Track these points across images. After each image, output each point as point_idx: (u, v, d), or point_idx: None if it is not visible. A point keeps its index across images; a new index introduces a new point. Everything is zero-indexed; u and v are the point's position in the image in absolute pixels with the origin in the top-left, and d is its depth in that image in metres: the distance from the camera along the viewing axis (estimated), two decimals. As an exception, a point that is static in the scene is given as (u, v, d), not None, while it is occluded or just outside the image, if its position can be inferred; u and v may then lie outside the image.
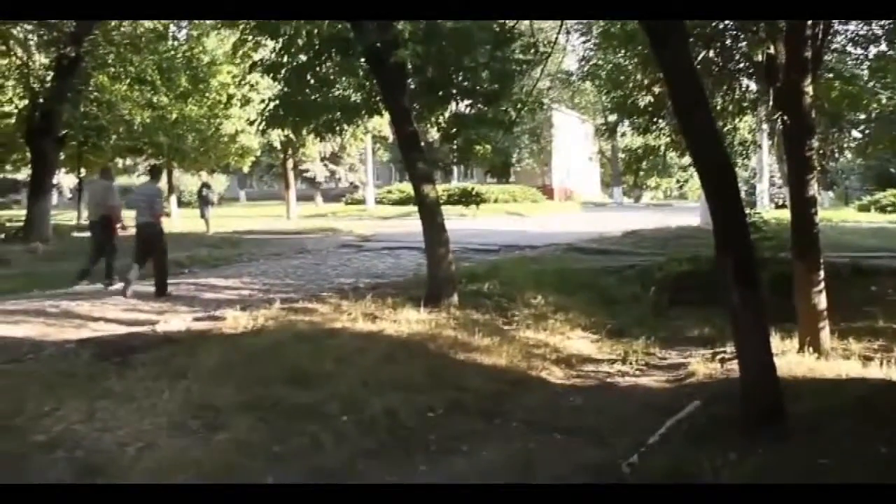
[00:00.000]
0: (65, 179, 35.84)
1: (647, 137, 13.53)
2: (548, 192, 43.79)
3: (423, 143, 11.92)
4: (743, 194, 7.42)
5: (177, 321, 9.39)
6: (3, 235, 19.24)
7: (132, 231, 12.38)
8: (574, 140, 47.73)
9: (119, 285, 12.04)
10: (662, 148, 14.32)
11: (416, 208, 11.80)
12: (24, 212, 22.33)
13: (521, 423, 7.06)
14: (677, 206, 41.17)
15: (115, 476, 5.25)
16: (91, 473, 5.27)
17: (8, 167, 23.68)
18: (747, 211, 7.40)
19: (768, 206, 27.45)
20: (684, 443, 6.12)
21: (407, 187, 31.77)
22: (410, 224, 16.68)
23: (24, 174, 24.43)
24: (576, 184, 48.26)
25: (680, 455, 5.78)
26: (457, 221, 13.59)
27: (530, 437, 6.68)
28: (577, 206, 40.19)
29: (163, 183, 18.54)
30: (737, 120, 12.77)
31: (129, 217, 12.72)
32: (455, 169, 43.86)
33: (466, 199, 34.04)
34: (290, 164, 33.61)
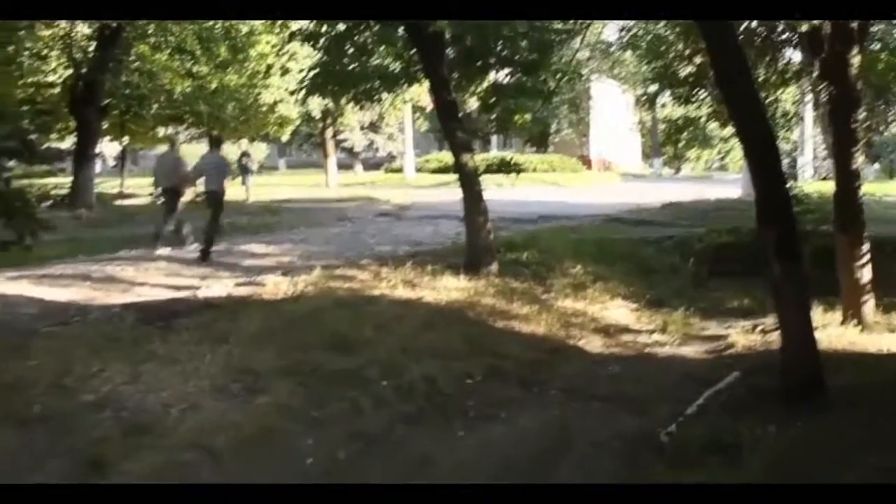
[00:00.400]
0: (107, 148, 36.21)
1: (688, 108, 13.38)
2: (586, 162, 43.43)
3: (461, 113, 11.90)
4: (784, 167, 7.34)
5: (218, 287, 9.51)
6: (49, 202, 19.54)
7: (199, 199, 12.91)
8: (613, 110, 47.27)
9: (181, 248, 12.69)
10: (703, 119, 14.15)
11: (454, 178, 11.80)
12: (68, 180, 22.64)
13: (558, 391, 7.09)
14: (717, 178, 40.72)
15: (161, 435, 5.39)
16: (137, 433, 5.42)
17: (53, 136, 23.95)
18: (789, 184, 7.32)
19: (810, 179, 27.03)
20: (723, 413, 6.12)
21: (446, 157, 31.70)
22: (449, 193, 16.66)
23: (68, 143, 24.71)
24: (615, 154, 47.83)
25: (718, 425, 5.79)
26: (495, 191, 13.60)
27: (568, 405, 6.71)
28: (616, 176, 39.85)
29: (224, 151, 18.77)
30: (779, 91, 12.57)
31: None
32: (494, 138, 43.68)
33: (505, 168, 33.85)
34: (328, 133, 33.67)
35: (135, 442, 5.32)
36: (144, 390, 5.98)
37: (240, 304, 8.57)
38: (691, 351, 8.72)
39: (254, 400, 5.88)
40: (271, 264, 11.48)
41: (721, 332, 9.35)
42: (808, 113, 25.35)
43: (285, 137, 31.94)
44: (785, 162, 7.37)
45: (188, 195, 13.29)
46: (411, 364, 6.79)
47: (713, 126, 34.95)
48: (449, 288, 9.69)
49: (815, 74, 9.82)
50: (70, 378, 6.15)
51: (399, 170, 38.36)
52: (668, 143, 49.57)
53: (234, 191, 20.66)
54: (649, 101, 32.02)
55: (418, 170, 37.87)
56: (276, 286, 9.33)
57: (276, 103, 25.41)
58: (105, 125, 24.47)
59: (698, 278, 12.30)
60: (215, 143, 13.30)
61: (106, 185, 27.64)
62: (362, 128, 42.36)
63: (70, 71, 21.93)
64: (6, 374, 6.24)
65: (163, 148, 17.99)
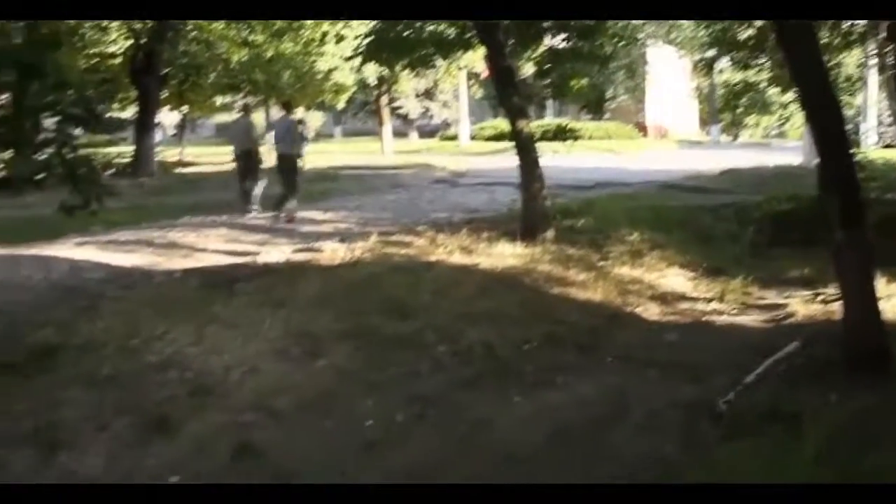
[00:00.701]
0: (166, 117, 36.72)
1: (747, 73, 13.11)
2: (643, 129, 42.84)
3: (517, 79, 11.83)
4: (847, 133, 7.17)
5: (276, 253, 9.67)
6: (112, 171, 19.96)
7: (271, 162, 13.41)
8: (670, 76, 46.41)
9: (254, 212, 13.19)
10: (763, 84, 13.86)
11: (509, 145, 11.77)
12: (130, 149, 23.06)
13: (615, 357, 7.07)
14: (777, 146, 39.87)
15: (224, 396, 5.53)
16: (200, 393, 5.57)
17: (115, 106, 24.41)
18: (852, 150, 7.16)
19: (874, 146, 26.37)
20: (783, 383, 6.05)
21: (501, 124, 31.54)
22: (504, 160, 16.60)
23: (129, 113, 25.19)
24: (672, 121, 47.08)
25: (778, 395, 5.73)
26: (551, 158, 13.52)
27: (625, 372, 6.69)
28: (673, 143, 39.29)
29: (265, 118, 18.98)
30: (843, 55, 12.26)
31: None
32: (549, 105, 43.31)
33: (560, 135, 33.60)
34: (383, 100, 33.70)
35: (199, 402, 5.48)
36: (207, 352, 6.13)
37: (298, 269, 8.69)
38: (750, 320, 8.61)
39: (313, 363, 5.98)
40: (328, 231, 11.60)
41: (781, 301, 9.21)
42: (873, 77, 24.65)
43: (341, 105, 32.06)
44: (848, 128, 7.16)
45: (266, 158, 13.80)
46: (468, 329, 6.83)
47: (773, 91, 34.26)
48: (505, 254, 9.70)
49: (880, 37, 9.56)
50: (136, 340, 6.34)
51: (454, 137, 38.28)
52: (726, 110, 48.63)
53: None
54: (707, 67, 31.46)
55: (473, 137, 37.74)
56: (333, 252, 9.44)
57: (331, 71, 25.49)
58: (164, 94, 24.82)
59: (757, 247, 12.09)
60: (287, 108, 13.62)
61: (165, 153, 28.05)
62: (417, 95, 42.31)
63: (130, 41, 22.25)
64: (76, 335, 6.45)
65: (226, 116, 18.49)
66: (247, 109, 15.76)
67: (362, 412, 5.35)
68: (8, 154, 6.98)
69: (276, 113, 15.31)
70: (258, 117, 14.13)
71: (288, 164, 12.90)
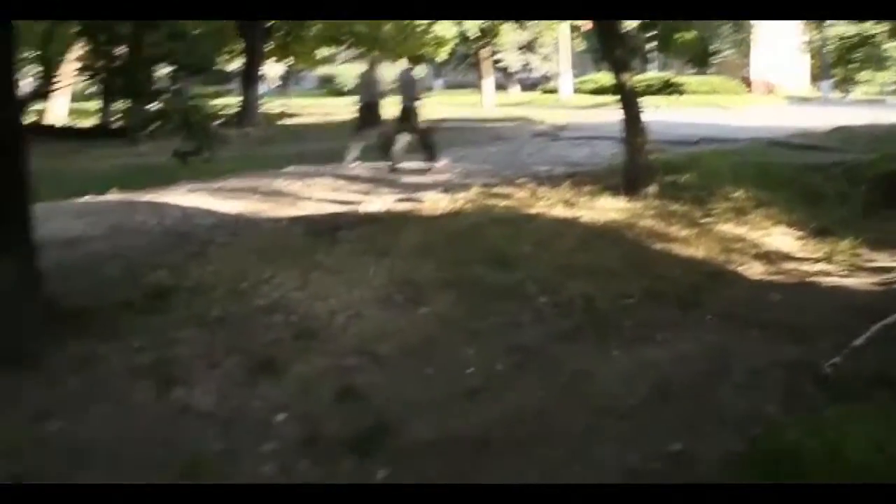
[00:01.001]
0: (271, 69, 37.31)
1: (863, 26, 12.49)
2: (749, 84, 41.48)
3: (620, 32, 11.60)
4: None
5: (379, 202, 9.80)
6: (219, 121, 20.47)
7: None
8: (778, 30, 44.69)
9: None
10: (880, 37, 13.22)
11: (611, 99, 11.60)
12: (236, 100, 23.57)
13: (717, 315, 6.96)
14: (892, 103, 38.10)
15: (328, 340, 5.69)
16: (305, 337, 5.74)
17: (222, 58, 24.96)
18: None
19: None
20: (892, 348, 5.88)
21: (602, 78, 30.99)
22: (606, 115, 16.37)
23: (236, 65, 25.74)
24: (780, 76, 45.42)
25: (888, 359, 5.57)
26: (654, 112, 13.24)
27: (727, 330, 6.58)
28: (781, 99, 37.93)
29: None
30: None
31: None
32: (653, 59, 42.35)
33: (664, 89, 32.82)
34: (484, 53, 33.48)
35: (304, 345, 5.64)
36: (312, 297, 6.30)
37: (400, 219, 8.81)
38: (858, 282, 8.34)
39: (415, 310, 6.08)
40: (429, 182, 11.67)
41: (892, 264, 8.90)
42: None
43: (441, 58, 32.01)
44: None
45: (390, 110, 14.05)
46: (569, 281, 6.83)
47: (890, 45, 32.63)
48: (607, 208, 9.62)
49: None
50: (244, 284, 6.55)
51: (555, 90, 37.82)
52: (838, 65, 46.57)
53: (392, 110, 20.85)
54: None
55: (574, 91, 37.23)
56: (434, 203, 9.52)
57: (432, 23, 25.43)
58: (269, 47, 25.21)
59: (869, 208, 11.66)
60: (412, 60, 13.84)
61: (270, 105, 28.57)
62: (518, 48, 41.88)
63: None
64: (188, 278, 6.70)
65: (329, 69, 18.76)
66: (373, 63, 15.93)
67: (463, 360, 5.43)
68: (124, 104, 7.26)
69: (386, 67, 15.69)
70: (371, 70, 14.25)
71: (411, 116, 13.16)
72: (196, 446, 4.55)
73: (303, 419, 4.77)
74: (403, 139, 13.20)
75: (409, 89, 13.31)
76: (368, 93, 13.89)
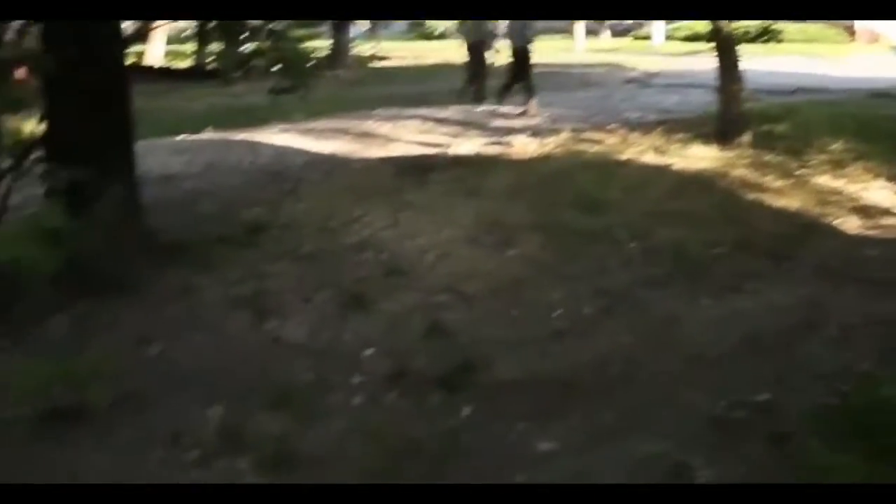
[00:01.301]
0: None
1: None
2: (852, 33, 39.78)
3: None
4: None
5: (468, 145, 9.79)
6: (312, 63, 20.62)
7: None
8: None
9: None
10: None
11: (704, 46, 11.29)
12: (327, 42, 23.69)
13: (810, 268, 6.79)
14: None
15: (417, 278, 5.77)
16: (394, 274, 5.83)
17: None
18: None
19: None
20: None
21: (696, 25, 30.07)
22: (698, 62, 15.94)
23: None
24: (886, 25, 43.41)
25: None
26: (750, 60, 12.82)
27: (820, 284, 6.42)
28: (886, 49, 36.31)
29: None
30: None
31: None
32: (752, 5, 40.93)
33: (762, 36, 31.75)
34: (576, -2, 32.86)
35: (393, 282, 5.74)
36: (401, 236, 6.38)
37: (489, 162, 8.79)
38: (959, 239, 8.03)
39: (504, 251, 6.10)
40: (518, 126, 11.60)
41: None
42: None
43: (533, 2, 31.53)
44: None
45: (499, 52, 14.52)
46: (659, 228, 6.73)
47: None
48: (698, 157, 9.41)
49: None
50: (335, 222, 6.68)
51: (647, 37, 36.95)
52: (954, 12, 44.28)
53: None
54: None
55: (667, 38, 36.31)
56: (524, 146, 9.47)
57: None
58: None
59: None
60: None
61: (360, 48, 28.63)
62: (611, -8, 40.96)
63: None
64: (281, 215, 6.86)
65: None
66: None
67: (550, 302, 5.43)
68: (218, 46, 7.38)
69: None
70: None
71: (524, 57, 13.24)
72: (288, 376, 4.70)
73: (391, 354, 4.87)
74: (510, 82, 13.23)
75: (521, 33, 13.24)
76: (519, 37, 13.88)
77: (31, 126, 6.08)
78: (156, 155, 8.80)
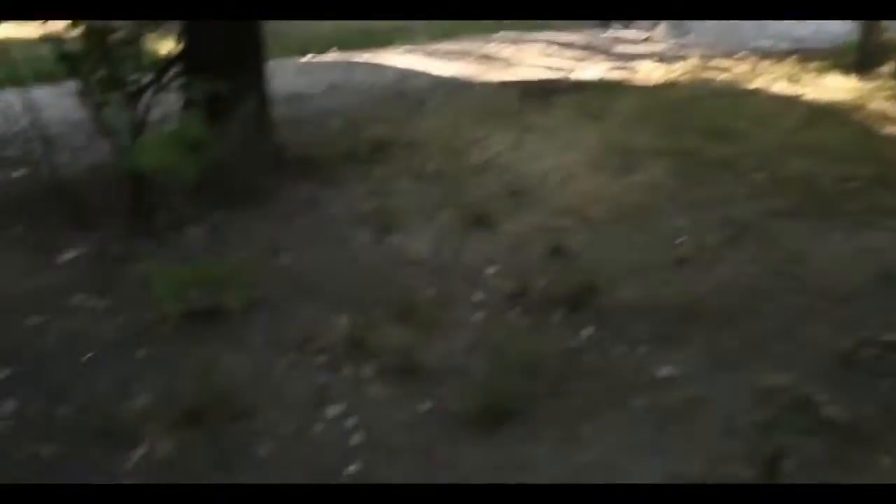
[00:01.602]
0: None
1: None
2: None
3: None
4: None
5: (592, 70, 9.64)
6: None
7: None
8: None
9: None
10: None
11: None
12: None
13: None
14: None
15: (539, 200, 5.77)
16: (517, 195, 5.84)
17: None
18: None
19: None
20: None
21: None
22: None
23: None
24: None
25: None
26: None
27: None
28: None
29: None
30: None
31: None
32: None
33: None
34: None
35: (515, 203, 5.76)
36: (525, 158, 6.38)
37: (613, 87, 8.66)
38: None
39: (628, 176, 6.03)
40: (643, 51, 11.32)
41: None
42: None
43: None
44: None
45: None
46: (789, 159, 6.52)
47: None
48: (834, 87, 9.01)
49: None
50: (458, 142, 6.71)
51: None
52: None
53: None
54: None
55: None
56: (650, 72, 9.26)
57: None
58: None
59: None
60: None
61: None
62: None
63: None
64: (405, 134, 6.93)
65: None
66: None
67: (674, 229, 5.36)
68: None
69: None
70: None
71: None
72: (411, 290, 4.82)
73: (513, 273, 4.92)
74: None
75: None
76: None
77: (170, 44, 6.28)
78: (283, 74, 8.95)
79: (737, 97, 8.14)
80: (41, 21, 5.56)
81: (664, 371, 4.04)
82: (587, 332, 4.38)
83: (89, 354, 4.42)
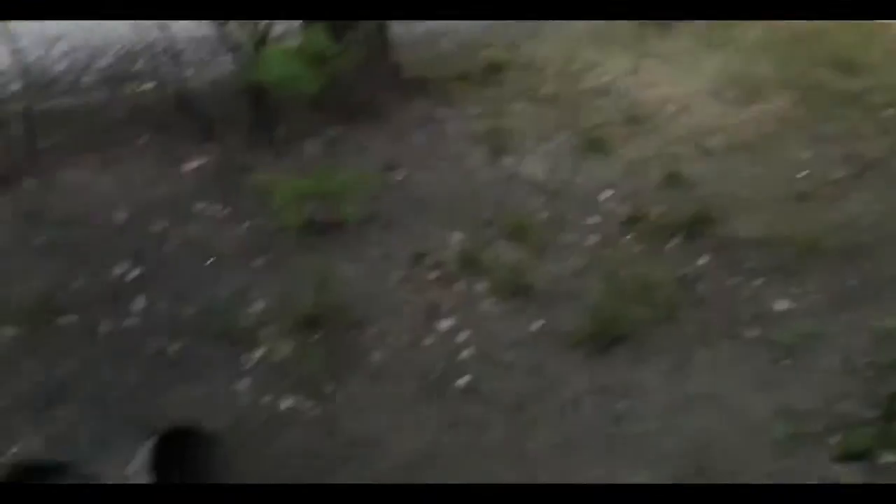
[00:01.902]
0: None
1: None
2: None
3: None
4: None
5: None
6: None
7: None
8: None
9: None
10: None
11: None
12: None
13: None
14: None
15: (656, 127, 5.66)
16: (634, 122, 5.75)
17: None
18: None
19: None
20: None
21: None
22: None
23: None
24: None
25: None
26: None
27: None
28: None
29: None
30: None
31: None
32: None
33: None
34: None
35: (631, 129, 5.68)
36: (642, 84, 6.24)
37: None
38: None
39: (749, 107, 5.83)
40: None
41: None
42: None
43: None
44: None
45: None
46: (923, 96, 6.21)
47: None
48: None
49: None
50: (574, 65, 6.61)
51: None
52: None
53: None
54: None
55: None
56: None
57: None
58: None
59: None
60: None
61: None
62: None
63: None
64: (520, 57, 6.86)
65: None
66: None
67: (796, 162, 5.19)
68: None
69: None
70: None
71: None
72: (524, 211, 4.85)
73: (628, 198, 4.89)
74: None
75: None
76: None
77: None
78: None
79: (869, 29, 7.70)
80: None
81: (780, 305, 4.00)
82: (702, 261, 4.35)
83: (211, 259, 4.62)
